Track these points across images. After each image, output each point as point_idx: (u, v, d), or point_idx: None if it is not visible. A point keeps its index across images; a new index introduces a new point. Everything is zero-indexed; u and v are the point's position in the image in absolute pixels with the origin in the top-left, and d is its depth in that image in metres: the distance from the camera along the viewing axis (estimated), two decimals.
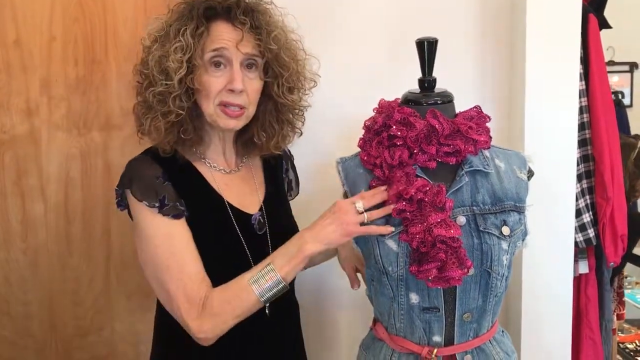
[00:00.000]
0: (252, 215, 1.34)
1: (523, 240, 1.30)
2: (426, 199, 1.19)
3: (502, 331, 1.37)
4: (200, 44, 1.23)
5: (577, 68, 1.66)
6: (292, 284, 1.44)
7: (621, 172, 1.80)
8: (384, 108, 1.32)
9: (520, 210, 1.28)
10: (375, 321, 1.38)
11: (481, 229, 1.22)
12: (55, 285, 1.86)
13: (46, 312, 1.87)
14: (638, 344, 3.07)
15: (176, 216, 1.24)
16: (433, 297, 1.23)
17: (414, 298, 1.24)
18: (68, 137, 1.82)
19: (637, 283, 3.41)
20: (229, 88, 1.25)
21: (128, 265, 1.89)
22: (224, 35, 1.25)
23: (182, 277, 1.21)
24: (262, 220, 1.36)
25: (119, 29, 1.82)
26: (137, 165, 1.29)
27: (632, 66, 4.18)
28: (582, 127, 1.76)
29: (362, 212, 1.20)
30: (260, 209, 1.37)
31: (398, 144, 1.24)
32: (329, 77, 1.75)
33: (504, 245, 1.23)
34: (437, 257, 1.17)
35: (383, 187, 1.23)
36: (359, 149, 1.34)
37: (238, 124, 1.29)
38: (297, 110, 1.40)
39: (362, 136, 1.33)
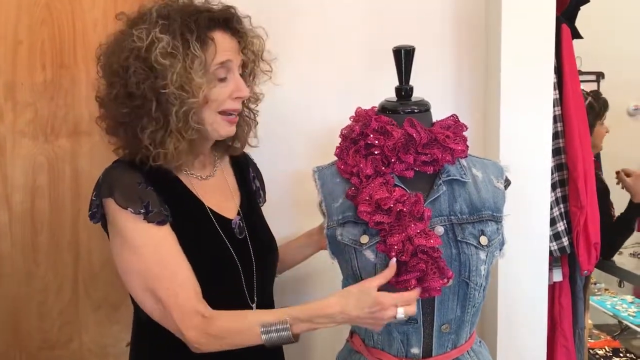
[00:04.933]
0: (231, 220, 1.34)
1: (500, 250, 1.30)
2: (404, 209, 1.17)
3: (480, 342, 1.36)
4: (205, 56, 1.22)
5: (551, 77, 1.66)
6: (271, 297, 1.43)
7: (594, 181, 1.81)
8: (361, 116, 1.30)
9: (497, 220, 1.27)
10: (352, 333, 1.36)
11: (459, 238, 1.21)
12: (21, 296, 1.80)
13: (10, 324, 1.80)
14: (608, 350, 3.11)
15: (161, 222, 1.22)
16: None
17: None
18: (34, 144, 1.76)
19: (606, 289, 3.46)
20: (237, 96, 1.27)
21: (96, 276, 1.84)
22: (226, 46, 1.25)
23: (173, 285, 1.19)
24: (241, 225, 1.35)
25: (88, 32, 1.77)
26: (116, 172, 1.25)
27: (599, 76, 4.24)
28: (555, 135, 1.77)
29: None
30: (239, 214, 1.37)
31: (375, 152, 1.23)
32: (304, 85, 1.75)
33: (482, 255, 1.22)
34: (417, 267, 1.15)
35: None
36: (335, 158, 1.32)
37: (234, 129, 1.32)
38: (259, 101, 1.42)
39: (339, 145, 1.31)
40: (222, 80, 1.25)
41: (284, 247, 1.53)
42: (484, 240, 1.23)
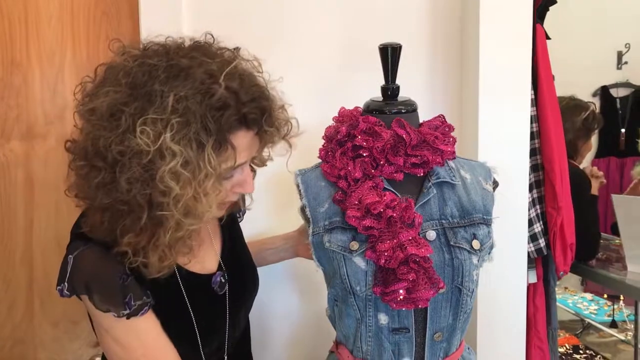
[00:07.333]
0: (212, 277, 1.21)
1: (489, 253, 1.26)
2: (395, 215, 1.12)
3: (469, 348, 1.32)
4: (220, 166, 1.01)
5: (528, 78, 1.64)
6: (248, 334, 1.36)
7: (569, 182, 1.81)
8: (346, 117, 1.24)
9: (488, 223, 1.23)
10: (337, 344, 1.29)
11: (452, 243, 1.17)
12: None
13: None
14: (568, 347, 3.15)
15: (144, 312, 1.07)
16: (403, 317, 1.15)
17: (383, 319, 1.16)
18: None
19: (566, 288, 3.51)
20: (238, 191, 1.12)
21: (53, 290, 1.70)
22: (246, 146, 1.05)
23: None
24: (222, 281, 1.22)
25: (42, 28, 1.65)
26: (92, 264, 1.04)
27: None
28: (531, 136, 1.75)
29: None
30: (220, 267, 1.24)
31: (364, 154, 1.17)
32: (281, 86, 1.67)
33: (475, 260, 1.18)
34: (406, 277, 1.10)
35: None
36: (317, 160, 1.26)
37: (225, 211, 1.17)
38: (264, 165, 1.26)
39: (322, 146, 1.25)
40: (228, 178, 1.08)
41: (259, 246, 1.44)
42: (476, 244, 1.18)
